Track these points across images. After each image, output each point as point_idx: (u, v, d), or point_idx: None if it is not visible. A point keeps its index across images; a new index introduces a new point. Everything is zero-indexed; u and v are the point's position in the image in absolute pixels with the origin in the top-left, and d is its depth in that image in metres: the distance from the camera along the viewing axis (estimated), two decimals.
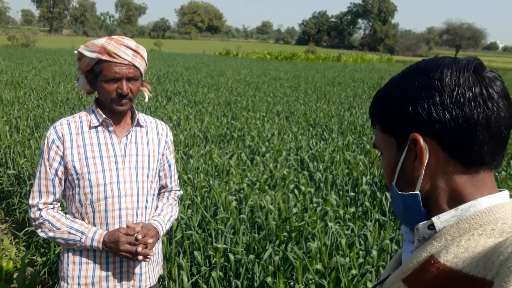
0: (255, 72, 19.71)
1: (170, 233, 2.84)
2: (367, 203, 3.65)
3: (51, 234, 1.70)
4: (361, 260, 2.67)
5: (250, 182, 4.01)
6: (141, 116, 1.83)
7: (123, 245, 1.64)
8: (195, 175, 4.02)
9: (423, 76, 0.73)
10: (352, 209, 3.59)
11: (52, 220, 1.70)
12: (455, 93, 0.70)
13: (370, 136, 6.52)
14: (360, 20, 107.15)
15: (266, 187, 3.99)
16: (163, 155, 1.87)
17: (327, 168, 4.69)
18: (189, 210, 3.26)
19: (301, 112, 8.34)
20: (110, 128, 1.72)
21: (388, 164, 0.80)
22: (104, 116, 1.70)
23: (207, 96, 10.30)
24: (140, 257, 1.65)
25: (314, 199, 3.81)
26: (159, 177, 1.90)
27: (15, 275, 3.45)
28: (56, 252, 3.38)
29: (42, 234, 1.72)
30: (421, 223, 0.74)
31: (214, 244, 2.81)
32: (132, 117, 1.79)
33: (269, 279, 2.38)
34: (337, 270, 2.50)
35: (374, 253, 2.72)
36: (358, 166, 4.67)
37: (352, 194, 4.08)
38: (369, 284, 2.31)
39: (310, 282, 2.44)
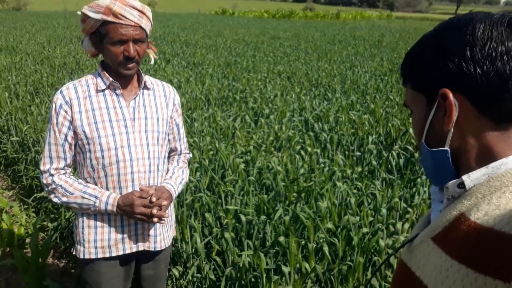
0: (253, 32, 19.31)
1: (180, 196, 2.85)
2: (374, 162, 3.66)
3: (64, 199, 1.70)
4: (371, 218, 2.69)
5: (256, 144, 4.00)
6: (147, 79, 1.80)
7: (138, 208, 1.64)
8: (200, 138, 4.01)
9: (455, 31, 0.72)
10: (359, 169, 3.60)
11: (65, 185, 1.70)
12: (486, 47, 0.68)
13: (374, 95, 6.46)
14: None
15: (272, 149, 3.98)
16: (171, 118, 1.86)
17: (332, 128, 4.68)
18: (198, 173, 3.27)
19: (302, 72, 8.23)
20: (118, 91, 1.69)
21: (417, 121, 0.79)
22: (111, 79, 1.67)
23: (206, 57, 10.13)
24: (155, 219, 1.66)
25: (321, 160, 3.81)
26: (169, 140, 1.89)
27: (27, 241, 3.51)
28: (66, 217, 3.42)
29: (55, 200, 1.72)
30: (450, 182, 0.74)
31: (225, 206, 2.83)
32: (139, 80, 1.76)
33: (281, 239, 2.41)
34: (348, 229, 2.53)
35: (384, 211, 2.74)
36: (364, 126, 4.64)
37: (358, 153, 4.08)
38: (381, 242, 2.35)
39: (322, 240, 2.47)
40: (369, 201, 3.03)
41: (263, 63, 9.14)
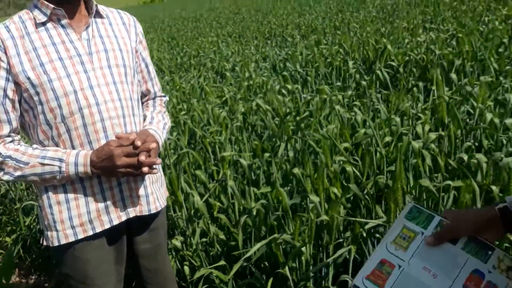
0: (189, 9, 18.50)
1: (161, 157, 2.38)
2: (363, 82, 3.30)
3: (18, 173, 1.23)
4: (386, 129, 2.33)
5: (231, 94, 3.54)
6: (98, 6, 1.32)
7: (120, 158, 1.21)
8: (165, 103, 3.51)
9: None
10: (349, 92, 3.23)
11: (15, 154, 1.23)
12: None
13: (333, 33, 6.10)
14: None
15: (249, 97, 3.55)
16: (136, 51, 1.42)
17: (305, 65, 4.28)
18: (174, 133, 2.79)
19: (253, 28, 7.76)
20: (63, 22, 1.25)
21: None
22: (51, 6, 1.21)
23: (146, 37, 9.43)
24: (145, 169, 1.23)
25: (304, 95, 3.42)
26: (138, 81, 1.44)
27: None
28: (26, 223, 2.86)
29: (6, 177, 1.24)
30: None
31: (219, 154, 2.38)
32: (88, 6, 1.31)
33: (296, 170, 2.01)
34: (367, 143, 2.16)
35: (397, 119, 2.39)
36: (338, 55, 4.27)
37: (339, 83, 3.72)
38: (414, 144, 1.99)
39: (340, 163, 2.08)
40: (376, 115, 2.68)
41: (209, 29, 8.59)
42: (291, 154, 2.33)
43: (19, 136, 1.30)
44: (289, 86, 3.52)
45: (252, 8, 12.97)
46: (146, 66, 1.47)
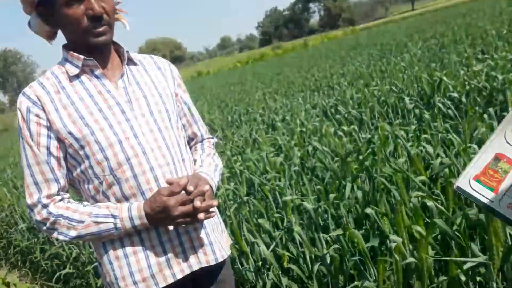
0: (234, 77, 19.26)
1: (220, 207, 2.26)
2: (427, 116, 3.09)
3: (73, 233, 1.16)
4: (464, 157, 2.10)
5: (285, 141, 3.44)
6: (130, 53, 1.29)
7: (175, 209, 1.12)
8: (220, 155, 3.46)
9: None
10: (413, 127, 3.01)
11: (67, 213, 1.16)
12: None
13: (380, 77, 5.97)
14: (311, 4, 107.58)
15: (303, 142, 3.42)
16: (176, 95, 1.36)
17: (358, 107, 4.14)
18: (232, 183, 2.68)
19: (298, 82, 7.83)
20: (97, 72, 1.20)
21: None
22: (82, 57, 1.17)
23: (196, 104, 9.79)
24: (201, 215, 1.14)
25: (362, 135, 3.25)
26: (183, 125, 1.36)
27: None
28: (98, 285, 2.83)
29: (61, 238, 1.18)
30: None
31: (277, 202, 2.22)
32: (120, 54, 1.27)
33: (369, 210, 1.80)
34: (446, 175, 1.93)
35: (475, 146, 2.15)
36: (391, 93, 4.11)
37: (398, 121, 3.52)
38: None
39: (419, 198, 1.85)
40: (448, 146, 2.44)
41: (254, 89, 8.77)
42: (359, 194, 2.13)
43: (68, 194, 1.23)
44: (345, 128, 3.37)
45: (294, 66, 13.26)
46: (189, 109, 1.40)
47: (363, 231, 1.85)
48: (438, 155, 2.36)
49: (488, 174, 0.68)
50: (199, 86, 18.05)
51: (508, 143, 0.68)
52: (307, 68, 11.79)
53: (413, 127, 2.97)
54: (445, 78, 3.78)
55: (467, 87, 3.58)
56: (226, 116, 5.78)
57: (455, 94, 3.54)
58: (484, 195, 0.67)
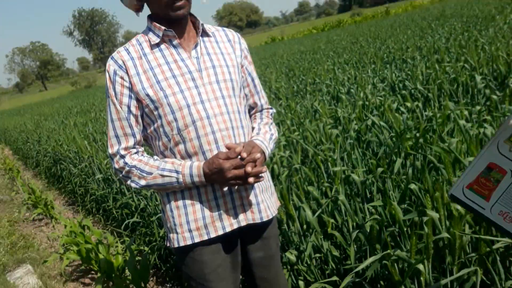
0: (307, 44, 18.96)
1: (273, 172, 2.42)
2: (494, 96, 2.97)
3: (142, 182, 1.37)
4: None
5: (345, 113, 3.49)
6: (205, 25, 1.45)
7: (229, 171, 1.29)
8: (280, 124, 3.60)
9: None
10: (477, 108, 2.93)
11: (140, 165, 1.37)
12: None
13: (458, 52, 5.67)
14: None
15: (364, 116, 3.45)
16: (242, 66, 1.50)
17: (426, 83, 4.03)
18: (287, 152, 2.83)
19: (370, 54, 7.62)
20: (175, 42, 1.37)
21: None
22: (163, 28, 1.35)
23: (265, 72, 9.87)
24: (251, 179, 1.29)
25: (425, 113, 3.20)
26: (245, 95, 1.51)
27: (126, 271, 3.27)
28: (160, 234, 3.13)
29: (133, 185, 1.40)
30: None
31: (329, 171, 2.34)
32: (195, 26, 1.43)
33: (412, 186, 1.87)
34: None
35: None
36: (463, 71, 3.95)
37: (466, 100, 3.41)
38: None
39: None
40: None
41: (326, 58, 8.66)
42: (409, 171, 2.18)
43: (142, 148, 1.45)
44: (409, 104, 3.34)
45: (370, 36, 12.77)
46: (252, 80, 1.55)
47: (405, 205, 1.92)
48: (480, 142, 2.32)
49: (480, 183, 0.72)
50: (271, 53, 18.04)
51: (500, 153, 0.71)
52: (383, 38, 11.35)
53: (478, 107, 2.88)
54: None
55: None
56: (292, 86, 5.84)
57: None
58: (476, 202, 0.71)
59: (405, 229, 1.69)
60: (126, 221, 3.48)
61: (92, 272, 3.52)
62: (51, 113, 14.28)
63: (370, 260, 1.55)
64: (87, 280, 3.44)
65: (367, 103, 3.78)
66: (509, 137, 0.70)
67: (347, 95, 4.45)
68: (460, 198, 0.72)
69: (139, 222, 3.47)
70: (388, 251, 1.56)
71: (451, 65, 4.33)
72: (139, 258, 3.25)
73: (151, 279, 3.13)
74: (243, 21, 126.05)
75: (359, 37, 14.46)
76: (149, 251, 3.15)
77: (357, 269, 1.58)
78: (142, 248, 3.36)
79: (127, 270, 3.18)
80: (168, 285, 2.99)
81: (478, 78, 3.52)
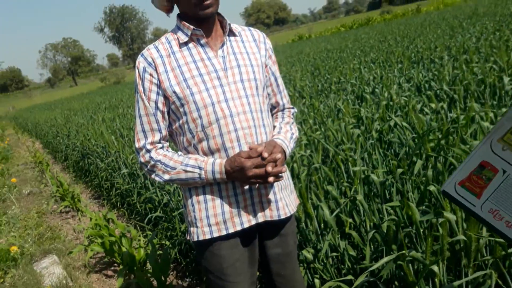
0: (334, 42, 18.81)
1: (294, 170, 2.45)
2: None
3: (166, 176, 1.42)
4: None
5: (368, 113, 3.47)
6: (232, 24, 1.49)
7: (250, 170, 1.33)
8: (302, 124, 3.61)
9: None
10: (503, 110, 2.87)
11: (164, 159, 1.42)
12: None
13: (489, 53, 5.53)
14: None
15: (387, 117, 3.42)
16: (266, 66, 1.54)
17: (453, 84, 3.96)
18: (308, 151, 2.85)
19: (398, 53, 7.51)
20: (202, 41, 1.42)
21: None
22: (192, 27, 1.40)
23: (290, 70, 9.87)
24: (271, 179, 1.33)
25: (450, 114, 3.15)
26: (268, 94, 1.54)
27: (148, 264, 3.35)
28: (181, 229, 3.20)
29: (157, 179, 1.45)
30: None
31: (348, 171, 2.35)
32: (223, 25, 1.47)
33: (432, 188, 1.86)
34: None
35: None
36: (491, 72, 3.86)
37: (493, 102, 3.33)
38: None
39: None
40: None
41: (352, 57, 8.59)
42: (429, 173, 2.17)
43: (167, 143, 1.50)
44: (433, 105, 3.30)
45: (399, 35, 12.56)
46: (276, 80, 1.58)
47: (423, 206, 1.92)
48: None
49: (472, 180, 0.73)
50: (297, 51, 17.97)
51: (493, 152, 0.72)
52: (412, 37, 11.15)
53: (503, 110, 2.82)
54: None
55: None
56: (317, 84, 5.83)
57: None
58: (467, 199, 0.72)
59: (421, 230, 1.69)
60: (149, 216, 3.56)
61: (115, 264, 3.63)
62: (81, 108, 14.67)
63: (385, 259, 1.56)
64: (109, 272, 3.54)
65: (391, 103, 3.74)
66: (502, 136, 0.72)
67: (371, 94, 4.42)
68: (452, 194, 0.73)
69: (161, 216, 3.54)
70: (404, 251, 1.57)
71: (479, 66, 4.24)
72: (160, 252, 3.34)
73: (171, 273, 3.20)
74: (270, 18, 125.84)
75: (388, 35, 14.25)
76: (170, 246, 3.23)
77: (371, 268, 1.59)
78: (163, 242, 3.44)
79: (148, 264, 3.27)
80: (187, 280, 3.06)
81: (506, 79, 3.44)
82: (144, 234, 3.83)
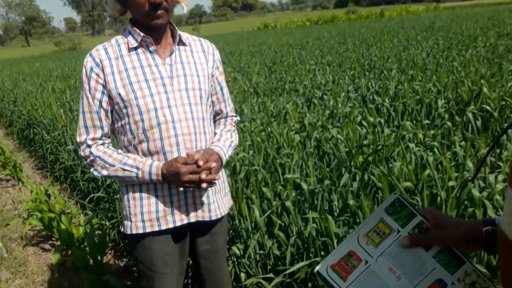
0: (297, 37, 19.06)
1: (233, 172, 2.60)
2: (449, 123, 3.21)
3: (104, 172, 1.51)
4: (455, 174, 2.28)
5: (312, 121, 3.68)
6: (183, 34, 1.58)
7: (185, 176, 1.42)
8: (251, 123, 3.76)
9: None
10: (432, 132, 3.16)
11: (104, 156, 1.50)
12: None
13: (435, 69, 5.92)
14: None
15: (330, 126, 3.64)
16: (212, 76, 1.63)
17: (394, 99, 4.25)
18: (250, 151, 3.00)
19: (353, 58, 7.81)
20: (151, 48, 1.49)
21: None
22: (142, 34, 1.47)
23: (251, 61, 9.98)
24: (204, 185, 1.43)
25: (386, 130, 3.42)
26: (212, 102, 1.66)
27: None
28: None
29: (95, 173, 1.53)
30: None
31: (283, 177, 2.53)
32: (173, 35, 1.55)
33: (351, 202, 2.07)
34: (431, 186, 2.14)
35: (470, 164, 2.32)
36: (430, 92, 4.18)
37: (427, 121, 3.64)
38: (474, 192, 1.94)
39: None
40: (451, 159, 2.61)
41: (310, 57, 8.82)
42: (355, 185, 2.38)
43: (109, 140, 1.58)
44: (371, 119, 3.55)
45: (358, 39, 12.97)
46: (221, 89, 1.69)
47: (343, 217, 2.13)
48: (440, 163, 2.55)
49: (341, 266, 0.85)
50: (260, 41, 18.07)
51: (359, 244, 0.86)
52: (370, 43, 11.58)
53: (432, 132, 3.11)
54: (485, 89, 3.80)
55: (503, 103, 3.60)
56: (272, 82, 6.00)
57: (489, 108, 3.59)
58: (336, 282, 0.84)
59: (335, 240, 1.89)
60: (92, 195, 3.60)
61: (53, 238, 3.64)
62: (30, 73, 14.04)
63: (300, 264, 1.75)
64: (47, 246, 3.55)
65: (335, 111, 3.97)
66: (366, 232, 0.87)
67: (320, 99, 4.63)
68: (324, 275, 0.85)
69: (103, 197, 3.58)
70: (317, 259, 1.77)
71: (420, 85, 4.57)
72: (99, 232, 3.40)
73: (110, 252, 3.28)
74: (238, 2, 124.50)
75: (348, 37, 14.66)
76: (110, 226, 3.30)
77: (288, 271, 1.77)
78: (103, 222, 3.50)
79: (86, 242, 3.32)
80: (125, 260, 3.15)
81: (440, 102, 3.75)
82: (85, 212, 3.86)
